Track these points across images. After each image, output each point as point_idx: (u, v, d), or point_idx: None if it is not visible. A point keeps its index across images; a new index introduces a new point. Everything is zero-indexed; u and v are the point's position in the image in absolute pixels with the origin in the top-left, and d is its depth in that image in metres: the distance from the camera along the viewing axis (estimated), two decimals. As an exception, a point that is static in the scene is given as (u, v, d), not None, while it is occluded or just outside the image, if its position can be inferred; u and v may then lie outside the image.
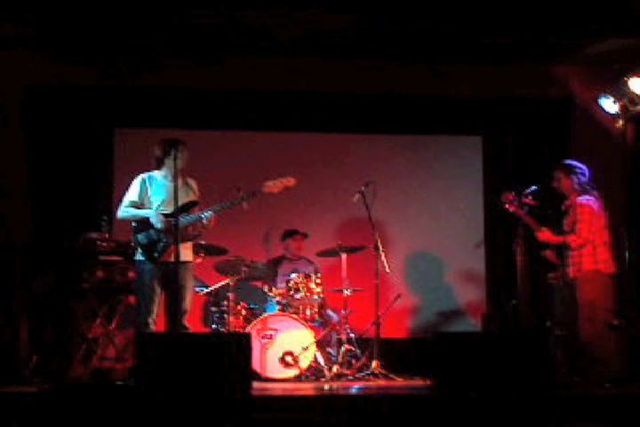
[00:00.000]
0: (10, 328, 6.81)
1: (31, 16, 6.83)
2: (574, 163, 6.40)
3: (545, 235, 6.31)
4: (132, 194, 6.17)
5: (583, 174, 6.32)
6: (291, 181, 6.28)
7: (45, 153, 7.62)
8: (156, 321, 6.04)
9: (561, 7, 6.70)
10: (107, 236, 6.82)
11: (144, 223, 6.08)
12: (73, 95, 7.73)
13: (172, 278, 5.82)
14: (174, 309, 5.93)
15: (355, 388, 6.27)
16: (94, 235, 6.77)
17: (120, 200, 6.25)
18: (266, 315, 7.02)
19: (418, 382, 6.45)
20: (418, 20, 7.03)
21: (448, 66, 7.76)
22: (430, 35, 7.27)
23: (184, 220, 6.02)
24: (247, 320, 7.09)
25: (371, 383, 6.57)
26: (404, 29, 7.19)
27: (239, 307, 7.15)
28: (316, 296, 7.12)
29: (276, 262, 7.78)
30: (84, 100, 7.75)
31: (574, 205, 6.25)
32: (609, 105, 6.94)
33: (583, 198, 6.24)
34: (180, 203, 5.90)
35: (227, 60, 7.61)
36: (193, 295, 6.23)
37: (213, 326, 7.21)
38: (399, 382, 6.63)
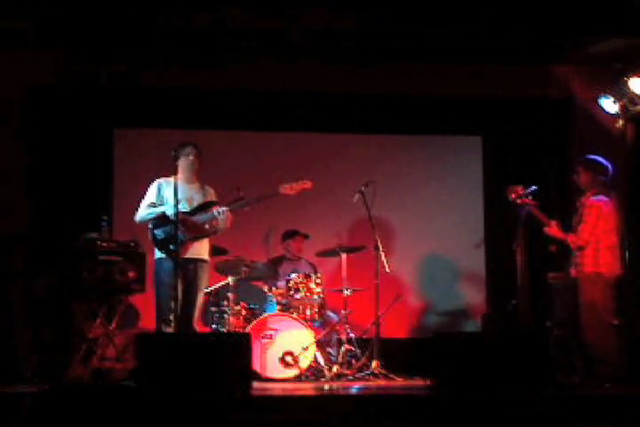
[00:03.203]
0: (10, 328, 6.81)
1: (31, 16, 6.83)
2: (598, 159, 6.30)
3: (552, 230, 6.26)
4: (150, 196, 6.37)
5: (603, 173, 6.23)
6: (307, 184, 6.43)
7: (45, 153, 7.62)
8: (178, 318, 6.04)
9: (561, 7, 6.70)
10: (107, 236, 6.82)
11: (161, 219, 6.24)
12: (73, 95, 7.73)
13: (185, 275, 6.00)
14: (185, 308, 6.01)
15: (355, 388, 6.27)
16: (94, 235, 6.77)
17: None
18: (266, 315, 7.01)
19: (418, 382, 6.44)
20: (418, 21, 7.03)
21: (448, 66, 7.76)
22: (430, 35, 7.27)
23: (202, 217, 6.24)
24: (247, 320, 7.08)
25: (371, 383, 6.56)
26: (404, 29, 7.19)
27: (239, 307, 7.14)
28: (315, 296, 7.11)
29: (276, 262, 7.78)
30: (83, 100, 7.75)
31: (584, 205, 6.21)
32: (609, 105, 6.93)
33: (595, 198, 6.18)
34: (196, 204, 6.21)
35: (227, 61, 7.61)
36: (201, 296, 6.29)
37: (213, 326, 7.21)
38: (399, 382, 6.62)
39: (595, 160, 6.31)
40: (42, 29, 7.05)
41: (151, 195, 6.40)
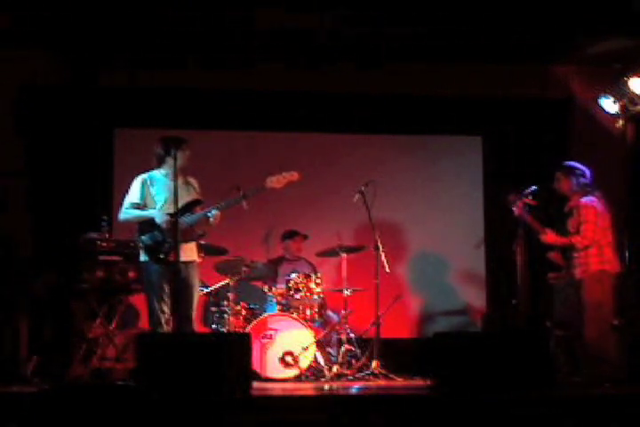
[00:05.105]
0: (10, 328, 6.81)
1: (31, 16, 6.83)
2: (574, 164, 6.39)
3: (550, 237, 6.30)
4: (134, 195, 6.08)
5: (583, 176, 6.30)
6: (294, 176, 6.14)
7: (45, 153, 7.64)
8: (169, 321, 5.91)
9: (561, 7, 6.70)
10: (107, 236, 6.81)
11: (148, 224, 5.99)
12: (73, 95, 7.74)
13: (177, 278, 5.76)
14: (181, 309, 5.88)
15: (355, 388, 6.27)
16: (94, 235, 6.76)
17: (121, 201, 6.20)
18: (266, 315, 7.01)
19: (418, 382, 6.45)
20: (418, 21, 7.03)
21: (448, 66, 7.76)
22: (430, 35, 7.27)
23: (189, 219, 5.97)
24: (247, 320, 7.09)
25: (371, 383, 6.56)
26: (404, 29, 7.19)
27: (239, 307, 7.14)
28: (315, 296, 7.11)
29: (275, 263, 7.78)
30: (83, 101, 7.76)
31: (578, 207, 6.22)
32: (609, 105, 6.93)
33: (587, 199, 6.22)
34: (182, 202, 5.84)
35: (226, 60, 7.61)
36: (198, 296, 6.18)
37: (213, 326, 7.21)
38: (399, 382, 6.62)
39: (572, 165, 6.36)
40: (42, 29, 7.05)
41: (134, 194, 6.07)
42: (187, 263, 5.95)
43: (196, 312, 6.07)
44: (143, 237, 6.01)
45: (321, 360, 6.96)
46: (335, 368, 6.79)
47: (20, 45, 7.21)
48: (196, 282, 6.07)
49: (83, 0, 6.65)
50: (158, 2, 6.70)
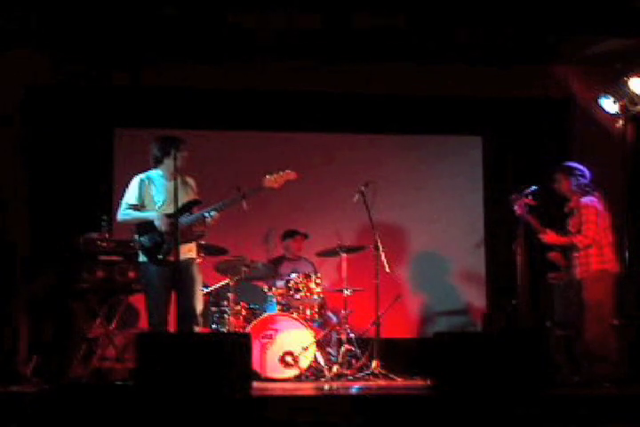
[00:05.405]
0: (10, 328, 6.81)
1: (31, 16, 6.83)
2: (574, 164, 6.41)
3: (550, 237, 6.30)
4: (132, 196, 6.01)
5: (583, 176, 6.31)
6: (291, 175, 6.12)
7: (45, 153, 7.63)
8: (169, 321, 5.90)
9: (561, 7, 6.70)
10: (107, 236, 6.82)
11: (147, 225, 5.94)
12: (73, 95, 7.73)
13: (179, 276, 5.71)
14: (185, 305, 5.80)
15: (355, 388, 6.27)
16: (94, 235, 6.77)
17: (120, 201, 6.18)
18: (266, 315, 7.01)
19: (418, 382, 6.45)
20: (418, 21, 7.03)
21: (448, 66, 7.76)
22: (430, 35, 7.27)
23: (187, 219, 5.91)
24: (247, 320, 7.08)
25: (371, 383, 6.56)
26: (404, 30, 7.19)
27: (239, 307, 7.14)
28: (315, 296, 7.12)
29: (276, 262, 7.78)
30: (83, 101, 7.75)
31: (579, 207, 6.24)
32: (609, 105, 6.93)
33: (587, 199, 6.23)
34: (180, 202, 5.78)
35: (227, 60, 7.61)
36: (201, 292, 6.09)
37: (213, 326, 7.21)
38: (399, 382, 6.62)
39: (571, 166, 6.39)
40: (40, 29, 7.05)
41: (133, 194, 6.00)
42: (186, 261, 5.91)
43: (201, 308, 6.00)
44: (142, 239, 5.97)
45: (321, 360, 6.96)
46: (335, 368, 6.79)
47: (20, 46, 7.21)
48: (197, 277, 5.98)
49: (83, 0, 6.65)
50: (159, 2, 6.70)
